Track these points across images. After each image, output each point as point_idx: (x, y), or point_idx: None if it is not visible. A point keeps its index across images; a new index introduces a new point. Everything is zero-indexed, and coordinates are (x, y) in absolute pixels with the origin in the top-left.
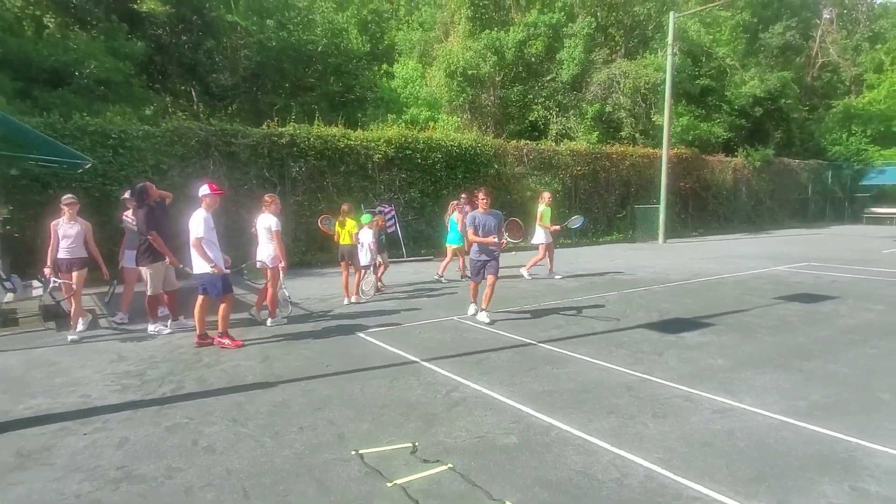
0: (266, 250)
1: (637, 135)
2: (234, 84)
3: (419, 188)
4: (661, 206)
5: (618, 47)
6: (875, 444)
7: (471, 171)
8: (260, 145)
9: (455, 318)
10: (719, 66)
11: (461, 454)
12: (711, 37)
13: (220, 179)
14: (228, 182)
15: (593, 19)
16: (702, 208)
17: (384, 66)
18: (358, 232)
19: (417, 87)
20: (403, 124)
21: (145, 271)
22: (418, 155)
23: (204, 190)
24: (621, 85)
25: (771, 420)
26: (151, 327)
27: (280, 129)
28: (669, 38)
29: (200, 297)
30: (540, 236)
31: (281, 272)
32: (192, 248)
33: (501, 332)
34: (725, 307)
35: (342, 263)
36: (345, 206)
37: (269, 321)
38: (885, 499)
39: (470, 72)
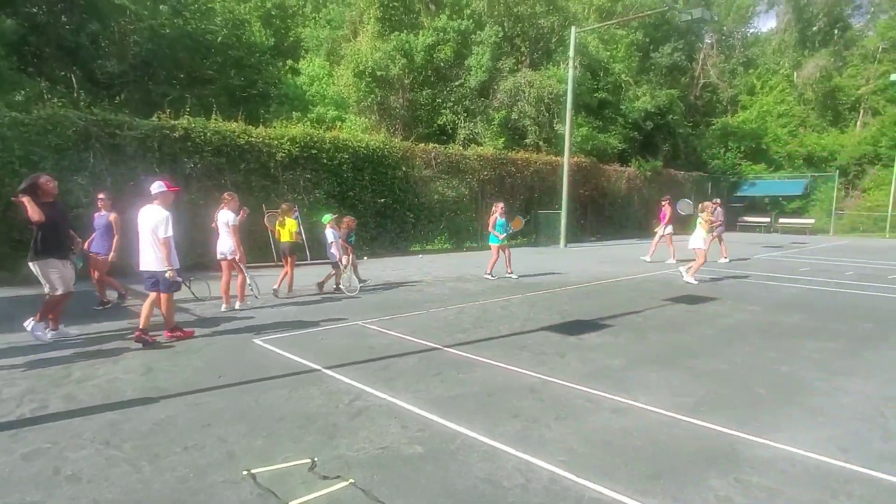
0: (226, 243)
1: (541, 142)
2: (121, 72)
3: (325, 189)
4: (563, 212)
5: (523, 58)
6: (754, 437)
7: (378, 174)
8: (149, 138)
9: (359, 322)
10: (615, 82)
11: (363, 468)
12: (609, 53)
13: (101, 174)
14: (112, 178)
15: (500, 29)
16: (599, 214)
17: (289, 62)
18: (324, 231)
19: (324, 86)
20: (309, 123)
21: (46, 268)
22: (324, 155)
23: (159, 187)
24: (526, 94)
25: (663, 417)
26: (39, 331)
27: (173, 122)
28: (571, 51)
29: (153, 294)
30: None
31: (241, 262)
32: (156, 245)
33: (406, 337)
34: (621, 309)
35: (284, 260)
36: (284, 205)
37: (237, 304)
38: (766, 489)
39: (379, 73)
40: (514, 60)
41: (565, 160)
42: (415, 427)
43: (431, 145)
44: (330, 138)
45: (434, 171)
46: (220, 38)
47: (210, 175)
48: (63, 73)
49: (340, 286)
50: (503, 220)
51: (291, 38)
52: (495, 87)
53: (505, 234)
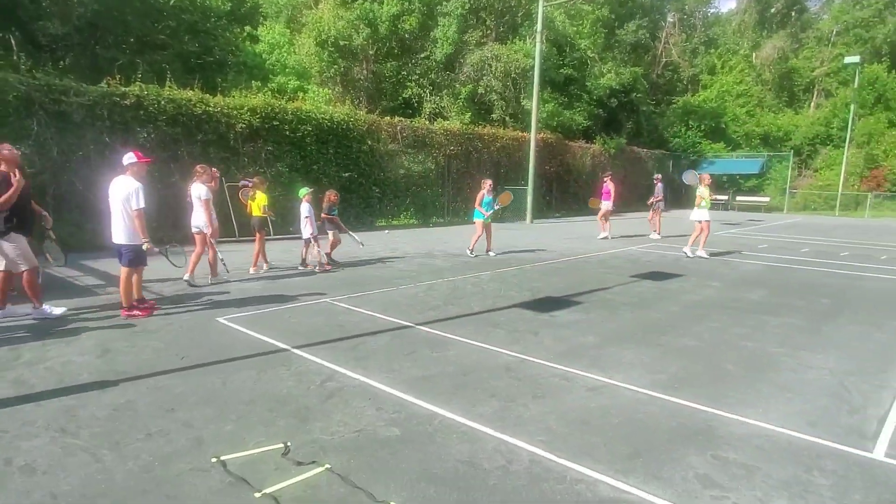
0: (199, 217)
1: (507, 118)
2: (65, 34)
3: (287, 162)
4: (529, 188)
5: (489, 31)
6: (727, 413)
7: (343, 147)
8: (98, 105)
9: (328, 299)
10: (581, 58)
11: (339, 452)
12: (575, 29)
13: (47, 143)
14: (58, 147)
15: (466, 0)
16: (564, 191)
17: (247, 28)
18: (300, 206)
19: (285, 54)
20: (269, 93)
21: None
22: (286, 127)
23: (130, 158)
24: (493, 68)
25: (639, 395)
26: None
27: (123, 89)
28: (538, 25)
29: (126, 269)
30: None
31: (213, 237)
32: (128, 218)
33: (377, 315)
34: (590, 285)
35: (256, 234)
36: (256, 179)
37: (209, 279)
38: (742, 465)
39: (342, 42)
40: (480, 34)
41: (532, 136)
42: (390, 409)
43: (397, 119)
44: (292, 109)
45: (400, 145)
46: (172, 1)
47: (165, 146)
48: (0, 35)
49: (307, 259)
50: (490, 197)
51: (249, 4)
52: (461, 60)
53: (490, 212)
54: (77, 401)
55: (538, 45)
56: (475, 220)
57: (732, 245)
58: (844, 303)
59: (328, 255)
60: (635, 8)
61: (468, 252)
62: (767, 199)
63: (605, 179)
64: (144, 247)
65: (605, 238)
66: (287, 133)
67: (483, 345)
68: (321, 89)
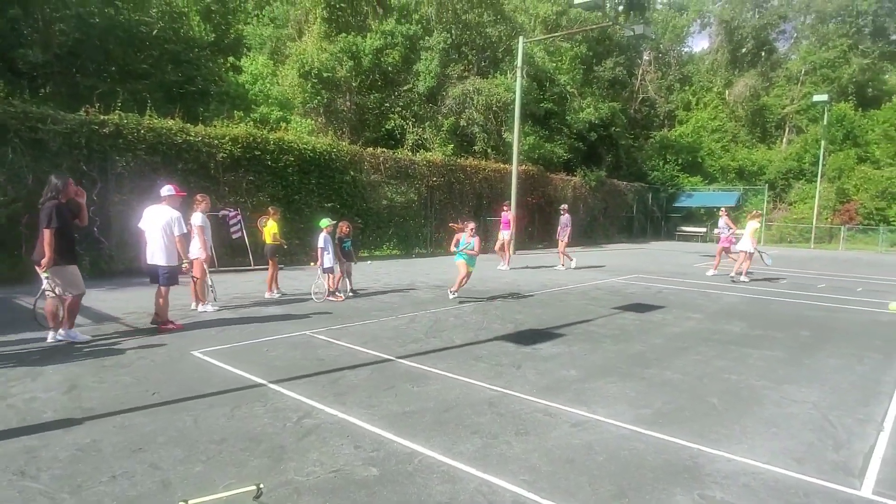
0: (196, 244)
1: (489, 150)
2: (45, 62)
3: (269, 192)
4: (511, 220)
5: (471, 66)
6: (713, 450)
7: (325, 177)
8: (76, 134)
9: (307, 332)
10: (561, 93)
11: (314, 494)
12: (554, 65)
13: (21, 171)
14: (33, 175)
15: (448, 35)
16: (546, 222)
17: (230, 59)
18: (319, 236)
19: (268, 85)
20: (252, 123)
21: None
22: (268, 157)
23: (168, 190)
24: (475, 101)
25: (623, 430)
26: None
27: (102, 117)
28: (519, 60)
29: (164, 289)
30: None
31: (205, 263)
32: (168, 241)
33: (357, 348)
34: (573, 317)
35: (269, 261)
36: (271, 209)
37: (199, 307)
38: None
39: (325, 74)
40: (462, 68)
41: (514, 168)
42: (369, 447)
43: (380, 150)
44: (274, 139)
45: (382, 175)
46: (155, 31)
47: (143, 174)
48: None
49: (331, 292)
50: (472, 240)
51: (233, 35)
52: (444, 93)
53: (461, 251)
54: (39, 440)
55: (519, 79)
56: (456, 261)
57: (713, 276)
58: (824, 335)
59: (336, 288)
60: (612, 46)
61: (450, 294)
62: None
63: (504, 208)
64: (184, 267)
65: (504, 269)
66: (269, 163)
67: (465, 379)
68: (304, 120)
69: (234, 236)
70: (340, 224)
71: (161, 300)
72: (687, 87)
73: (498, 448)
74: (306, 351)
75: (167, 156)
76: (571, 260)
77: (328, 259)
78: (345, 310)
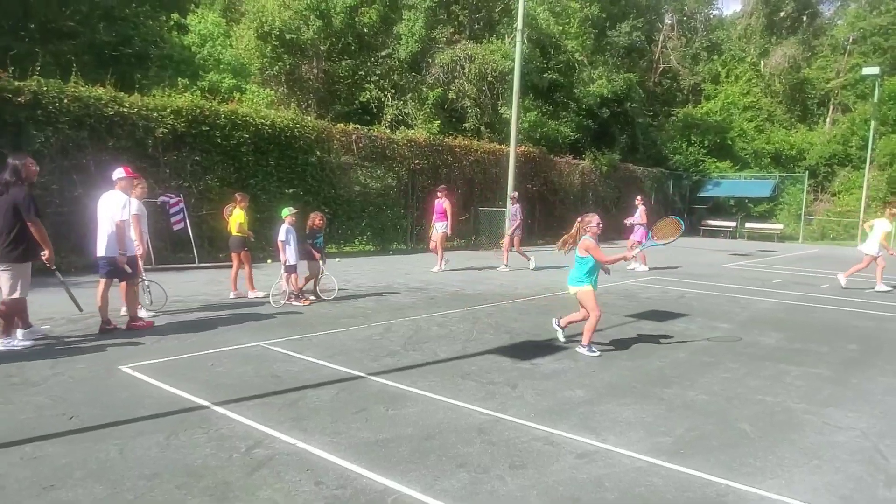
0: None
1: (482, 128)
2: None
3: (218, 175)
4: (508, 210)
5: (462, 28)
6: (744, 485)
7: (287, 158)
8: None
9: (262, 343)
10: (568, 61)
11: None
12: (560, 28)
13: None
14: None
15: None
16: (549, 214)
17: (174, 16)
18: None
19: (219, 48)
20: (199, 92)
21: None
22: (218, 133)
23: (119, 173)
24: (466, 70)
25: (638, 462)
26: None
27: (17, 83)
28: (519, 22)
29: (125, 283)
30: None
31: (140, 259)
32: (114, 229)
33: (321, 363)
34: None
35: (230, 257)
36: (237, 195)
37: (123, 309)
38: None
39: (289, 36)
40: (451, 30)
41: (511, 149)
42: (333, 483)
43: (352, 126)
44: (226, 112)
45: (355, 157)
46: None
47: (67, 153)
48: None
49: (295, 294)
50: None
51: None
52: (429, 60)
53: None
54: None
55: (518, 44)
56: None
57: (742, 279)
58: (874, 349)
59: (300, 289)
60: (629, 7)
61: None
62: (781, 226)
63: (439, 194)
64: (118, 259)
65: (438, 271)
66: (219, 140)
67: (450, 400)
68: (262, 89)
69: (175, 227)
70: (312, 216)
71: (125, 295)
72: (716, 57)
73: (489, 484)
74: (260, 366)
75: (96, 130)
76: (529, 259)
77: (291, 255)
78: (308, 316)
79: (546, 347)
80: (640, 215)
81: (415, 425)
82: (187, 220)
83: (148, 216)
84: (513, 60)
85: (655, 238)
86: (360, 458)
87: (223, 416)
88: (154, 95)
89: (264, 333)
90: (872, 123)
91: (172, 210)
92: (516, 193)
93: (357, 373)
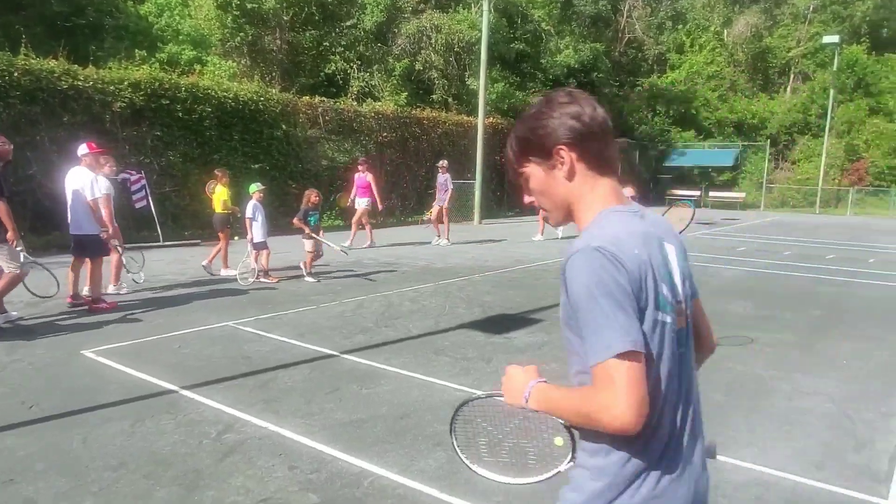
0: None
1: (450, 99)
2: None
3: (180, 151)
4: (477, 182)
5: None
6: (720, 456)
7: (251, 132)
8: None
9: (231, 323)
10: (535, 31)
11: None
12: None
13: None
14: None
15: None
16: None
17: None
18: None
19: (178, 18)
20: (158, 65)
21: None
22: (179, 107)
23: (83, 149)
24: (433, 40)
25: None
26: None
27: None
28: None
29: (91, 262)
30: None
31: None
32: (83, 208)
33: (293, 342)
34: (552, 299)
35: (219, 234)
36: (217, 172)
37: (110, 287)
38: None
39: (249, 5)
40: (417, 0)
41: (480, 120)
42: (307, 466)
43: (318, 98)
44: (186, 85)
45: (322, 130)
46: None
47: (19, 129)
48: None
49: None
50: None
51: None
52: (395, 30)
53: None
54: None
55: (485, 14)
56: None
57: (709, 248)
58: (837, 315)
59: (309, 266)
60: None
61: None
62: (743, 195)
63: (360, 168)
64: (102, 235)
65: (346, 249)
66: (180, 114)
67: (425, 377)
68: (224, 61)
69: (136, 205)
70: (308, 193)
71: (90, 275)
72: (680, 26)
73: None
74: (229, 347)
75: (49, 105)
76: (439, 236)
77: (258, 232)
78: (278, 294)
79: (520, 320)
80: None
81: (389, 404)
82: (149, 198)
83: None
84: (480, 30)
85: None
86: (334, 440)
87: (191, 401)
88: (110, 68)
89: (233, 313)
90: (831, 92)
91: (134, 187)
92: (445, 162)
93: (329, 351)
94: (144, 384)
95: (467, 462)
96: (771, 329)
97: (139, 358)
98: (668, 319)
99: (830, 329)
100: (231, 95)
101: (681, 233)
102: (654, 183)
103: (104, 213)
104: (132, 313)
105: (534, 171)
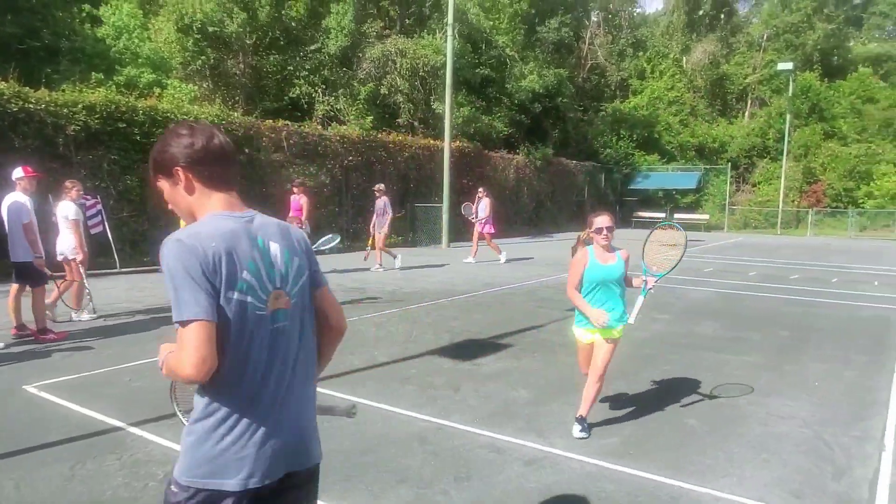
0: (66, 241)
1: (416, 123)
2: None
3: (138, 175)
4: (445, 206)
5: (393, 23)
6: (696, 486)
7: None
8: None
9: None
10: (499, 56)
11: None
12: (491, 23)
13: None
14: None
15: None
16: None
17: (86, 7)
18: None
19: (137, 41)
20: (115, 88)
21: None
22: (136, 130)
23: (18, 173)
24: (398, 65)
25: (588, 466)
26: None
27: None
28: (449, 17)
29: (16, 286)
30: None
31: (81, 265)
32: (19, 233)
33: None
34: (520, 323)
35: None
36: None
37: (73, 314)
38: None
39: (211, 29)
40: (381, 25)
41: (446, 144)
42: None
43: (282, 122)
44: (144, 108)
45: (286, 154)
46: None
47: None
48: None
49: None
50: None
51: None
52: (360, 55)
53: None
54: None
55: (450, 39)
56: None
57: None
58: (804, 335)
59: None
60: (557, 3)
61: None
62: (707, 216)
63: (294, 189)
64: (36, 262)
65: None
66: (137, 138)
67: (389, 407)
68: (185, 85)
69: (92, 230)
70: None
71: (33, 303)
72: (641, 53)
73: (433, 500)
74: None
75: None
76: (395, 258)
77: None
78: None
79: (487, 346)
80: (485, 208)
81: (351, 438)
82: (106, 223)
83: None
84: (444, 55)
85: (653, 268)
86: None
87: (139, 439)
88: (63, 90)
89: None
90: (788, 116)
91: (89, 213)
92: (382, 186)
93: None
94: (89, 421)
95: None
96: (741, 351)
97: (86, 392)
98: (249, 299)
99: (798, 350)
100: (191, 119)
101: (678, 261)
102: (620, 205)
103: (73, 238)
104: (83, 343)
105: (164, 185)
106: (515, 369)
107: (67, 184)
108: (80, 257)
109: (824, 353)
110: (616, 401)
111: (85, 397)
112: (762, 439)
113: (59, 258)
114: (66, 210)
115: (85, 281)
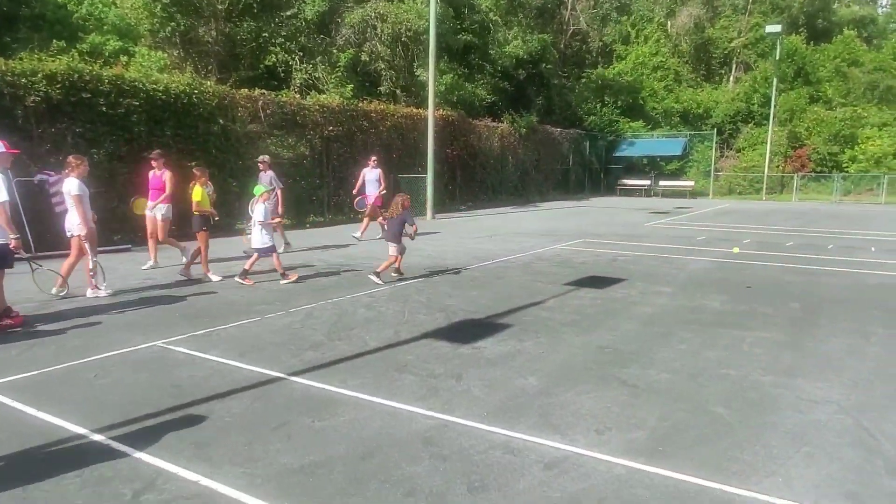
0: (73, 217)
1: (398, 91)
2: None
3: (106, 149)
4: (429, 176)
5: None
6: (740, 489)
7: (185, 127)
8: None
9: (159, 342)
10: (482, 21)
11: None
12: None
13: None
14: None
15: None
16: (470, 179)
17: None
18: (252, 205)
19: (101, 7)
20: (78, 56)
21: None
22: (102, 100)
23: None
24: (378, 30)
25: (616, 469)
26: None
27: None
28: None
29: None
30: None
31: (87, 241)
32: None
33: (232, 363)
34: (518, 299)
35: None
36: (196, 171)
37: (88, 292)
38: None
39: None
40: None
41: (430, 112)
42: None
43: (258, 91)
44: (110, 77)
45: (263, 125)
46: None
47: None
48: None
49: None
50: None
51: None
52: (339, 20)
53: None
54: None
55: (432, 2)
56: None
57: (667, 238)
58: (816, 307)
59: (390, 267)
60: None
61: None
62: (692, 183)
63: (154, 163)
64: (12, 245)
65: (151, 267)
66: (103, 109)
67: (387, 402)
68: (153, 53)
69: (57, 209)
70: (400, 198)
71: None
72: (624, 18)
73: None
74: (156, 373)
75: None
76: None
77: (264, 237)
78: (214, 305)
79: (488, 326)
80: (378, 178)
81: (348, 440)
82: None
83: (25, 196)
84: (426, 20)
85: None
86: (282, 494)
87: (104, 449)
88: (21, 59)
89: (163, 330)
90: (774, 81)
91: (53, 189)
92: (267, 157)
93: (275, 373)
94: (47, 429)
95: None
96: (755, 327)
97: (44, 393)
98: None
99: (814, 324)
100: (161, 88)
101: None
102: (605, 173)
103: (79, 215)
104: (42, 334)
105: None
106: (519, 352)
107: (71, 160)
108: (83, 233)
109: (840, 326)
110: (634, 387)
111: (43, 399)
112: (800, 429)
113: (68, 235)
114: (69, 186)
115: (92, 257)
